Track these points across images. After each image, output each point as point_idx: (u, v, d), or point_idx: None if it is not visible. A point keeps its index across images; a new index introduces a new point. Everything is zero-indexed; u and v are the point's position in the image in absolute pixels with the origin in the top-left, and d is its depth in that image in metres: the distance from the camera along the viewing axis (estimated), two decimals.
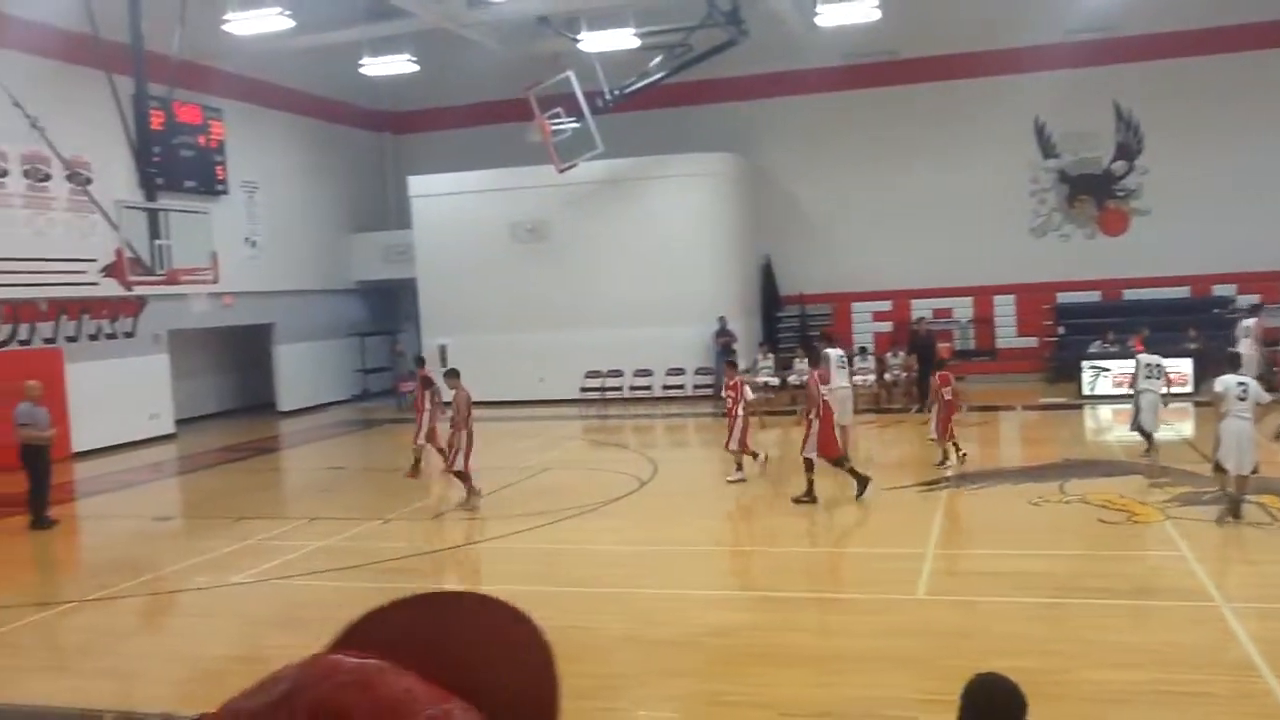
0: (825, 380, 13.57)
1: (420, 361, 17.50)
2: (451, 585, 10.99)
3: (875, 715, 6.62)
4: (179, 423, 22.91)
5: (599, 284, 25.07)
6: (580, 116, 23.66)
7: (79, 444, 19.85)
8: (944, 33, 25.32)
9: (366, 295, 29.82)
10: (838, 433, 13.78)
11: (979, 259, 25.62)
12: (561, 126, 23.95)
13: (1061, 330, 25.03)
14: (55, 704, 7.50)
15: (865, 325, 26.57)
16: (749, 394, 14.72)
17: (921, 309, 25.59)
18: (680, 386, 24.34)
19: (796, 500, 12.93)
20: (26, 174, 19.47)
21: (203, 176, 23.35)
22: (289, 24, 20.04)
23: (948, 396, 15.03)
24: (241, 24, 20.13)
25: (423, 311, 26.96)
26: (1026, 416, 20.87)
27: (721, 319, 24.10)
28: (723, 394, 14.83)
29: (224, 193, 24.00)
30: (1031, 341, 25.81)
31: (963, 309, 26.18)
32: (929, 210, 25.92)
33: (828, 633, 8.08)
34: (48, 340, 20.00)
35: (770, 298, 27.39)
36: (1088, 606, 8.46)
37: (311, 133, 27.63)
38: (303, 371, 26.69)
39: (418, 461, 15.74)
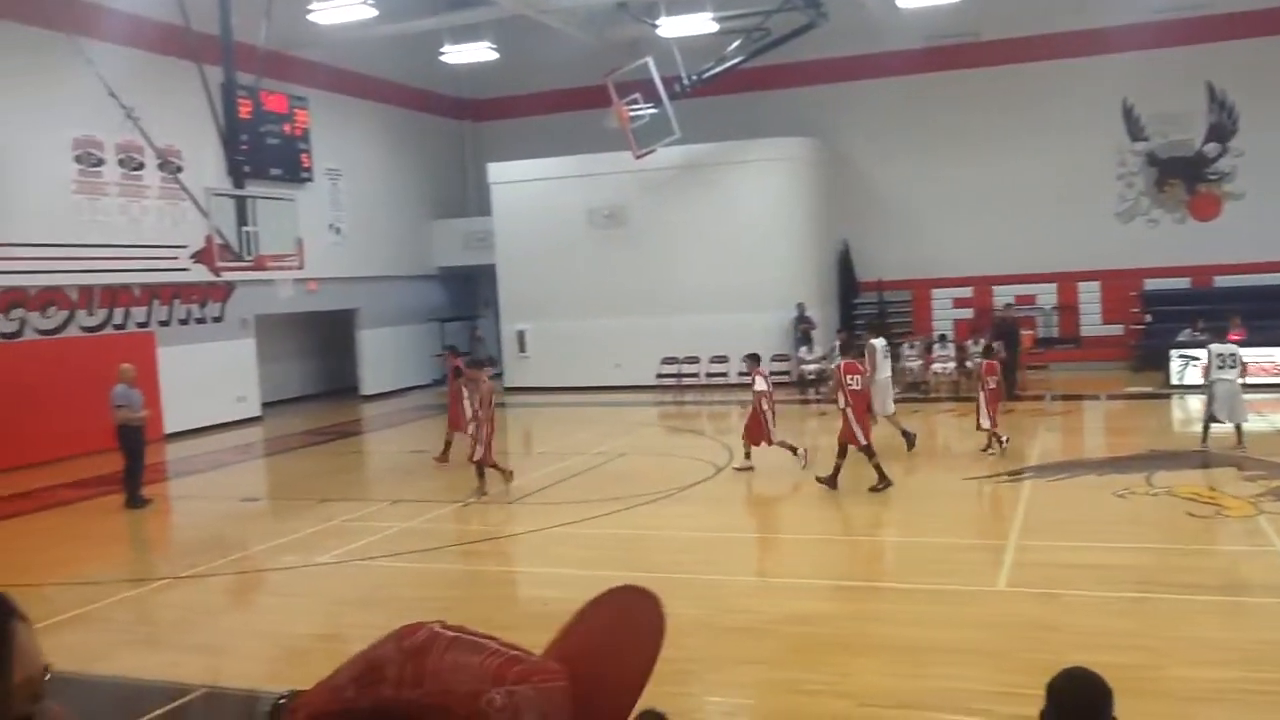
0: (858, 371, 13.58)
1: (453, 350, 17.68)
2: (525, 567, 11.13)
3: (955, 707, 6.57)
4: (265, 406, 23.47)
5: (676, 270, 25.07)
6: (658, 102, 23.65)
7: (170, 426, 20.45)
8: (1028, 13, 24.78)
9: (447, 281, 30.19)
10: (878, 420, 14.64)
11: (1063, 244, 25.07)
12: (639, 112, 23.96)
13: (1149, 318, 24.41)
14: (148, 678, 7.71)
15: (945, 312, 26.20)
16: (759, 385, 14.62)
17: (1003, 295, 25.15)
18: (787, 373, 24.22)
19: (873, 489, 12.91)
20: (121, 163, 20.08)
21: (288, 164, 23.86)
22: (372, 13, 20.34)
23: (992, 385, 15.09)
24: (326, 13, 20.49)
25: (501, 297, 27.23)
26: (1111, 406, 20.43)
27: (800, 305, 24.00)
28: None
29: (309, 180, 24.49)
30: (1117, 329, 25.22)
31: (1046, 296, 25.67)
32: (1011, 195, 25.44)
33: (907, 623, 8.02)
34: (141, 324, 20.62)
35: (847, 284, 27.14)
36: (1175, 602, 8.29)
37: (393, 120, 28.01)
38: (384, 356, 27.14)
39: (448, 446, 16.09)
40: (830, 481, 13.10)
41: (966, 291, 26.09)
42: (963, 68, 25.64)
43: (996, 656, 7.25)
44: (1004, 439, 15.16)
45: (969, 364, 22.31)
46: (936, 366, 22.13)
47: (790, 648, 7.39)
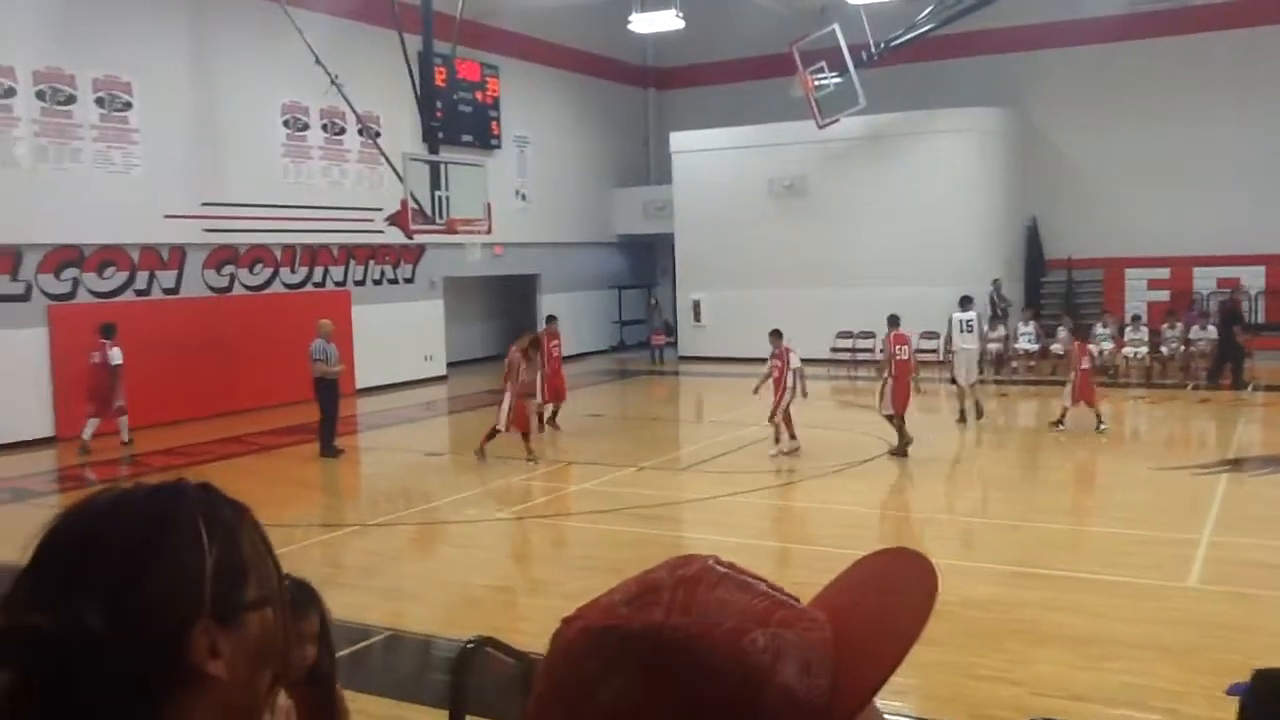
0: (904, 341, 14.38)
1: (550, 319, 17.91)
2: (697, 534, 11.27)
3: (1134, 703, 6.36)
4: (450, 365, 24.34)
5: (855, 242, 24.69)
6: (843, 71, 23.26)
7: (361, 381, 21.45)
8: None
9: (625, 249, 30.56)
10: (958, 393, 16.30)
11: (1272, 224, 23.43)
12: (824, 81, 23.62)
13: None
14: (337, 617, 8.15)
15: (1140, 294, 24.89)
16: (794, 361, 14.46)
17: (1204, 278, 23.79)
18: (934, 350, 23.64)
19: (892, 452, 13.76)
20: (324, 128, 21.10)
21: (479, 131, 24.58)
22: None
23: (1084, 365, 15.28)
24: None
25: (679, 266, 27.40)
26: None
27: (996, 281, 23.31)
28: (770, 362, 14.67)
29: (497, 147, 25.17)
30: None
31: (1253, 279, 24.09)
32: (1215, 169, 23.89)
33: (1089, 613, 7.77)
34: (338, 283, 21.68)
35: (1035, 262, 26.14)
36: None
37: (579, 88, 28.42)
38: (564, 321, 27.59)
39: (542, 417, 16.31)
40: (901, 451, 13.77)
41: (1163, 272, 24.73)
42: (1169, 34, 24.21)
43: (1183, 654, 6.96)
44: (1103, 424, 15.07)
45: (1164, 349, 21.26)
46: (1128, 350, 21.14)
47: (963, 631, 7.28)
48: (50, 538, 0.97)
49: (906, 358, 14.16)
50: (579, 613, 0.78)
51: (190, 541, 0.97)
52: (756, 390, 14.90)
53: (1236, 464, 13.15)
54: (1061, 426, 15.34)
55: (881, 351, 15.85)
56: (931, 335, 20.92)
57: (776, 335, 15.07)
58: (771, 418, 14.47)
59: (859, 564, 0.90)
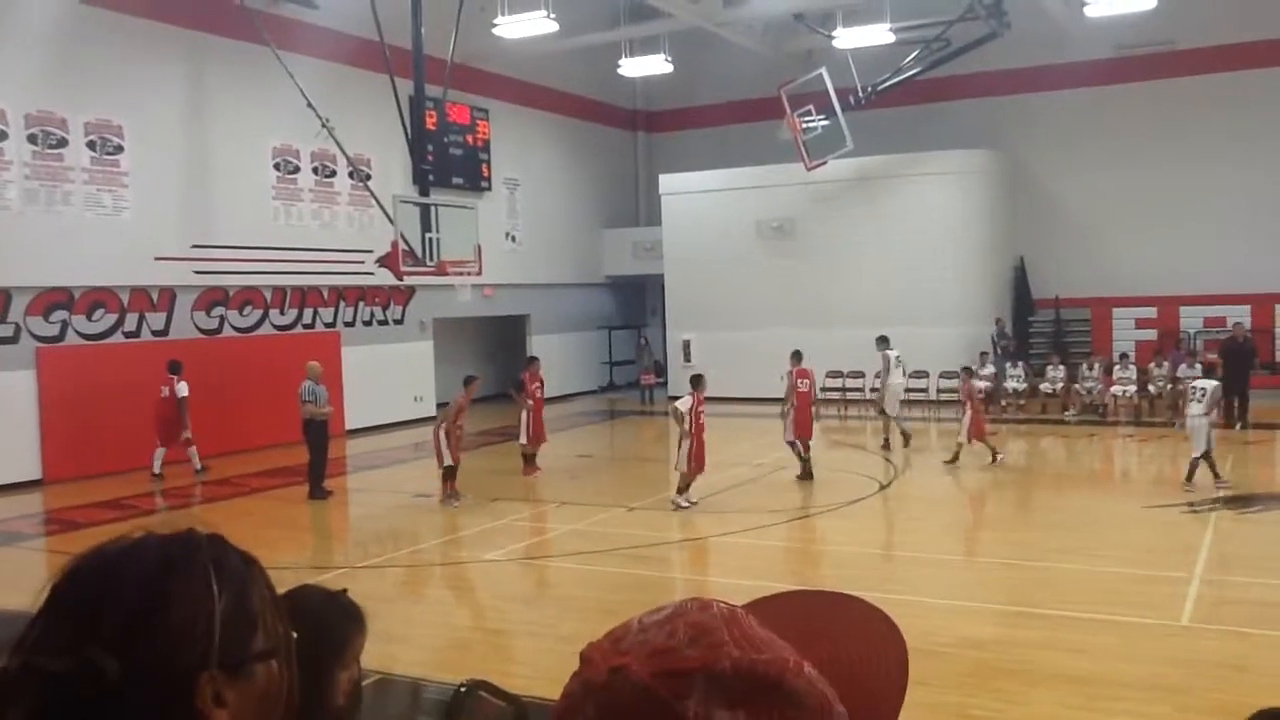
0: (807, 375, 15.72)
1: (532, 359, 18.09)
2: (689, 574, 11.21)
3: None
4: (439, 406, 24.21)
5: (844, 283, 24.80)
6: (831, 114, 23.48)
7: (351, 422, 21.38)
8: (1229, 19, 23.51)
9: (615, 290, 30.64)
10: (883, 423, 18.34)
11: (1260, 263, 23.62)
12: (812, 124, 23.83)
13: None
14: None
15: (1127, 332, 25.03)
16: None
17: (1191, 316, 23.94)
18: (924, 390, 23.72)
19: (799, 477, 14.93)
20: (315, 170, 21.20)
21: (469, 173, 24.72)
22: (553, 27, 20.88)
23: (978, 399, 16.53)
24: (510, 27, 21.16)
25: (669, 306, 27.47)
26: None
27: (999, 321, 23.51)
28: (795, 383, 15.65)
29: (488, 189, 25.30)
30: None
31: (1239, 318, 24.24)
32: (1204, 210, 24.15)
33: (1084, 653, 7.73)
34: (328, 325, 21.68)
35: (1023, 301, 26.29)
36: None
37: (569, 131, 28.62)
38: (554, 362, 27.65)
39: (529, 459, 16.68)
40: (805, 474, 15.06)
41: (1150, 311, 24.90)
42: (1156, 78, 24.53)
43: (1178, 694, 6.93)
44: (999, 454, 16.12)
45: (1151, 388, 21.33)
46: (1116, 389, 21.21)
47: (959, 671, 7.24)
48: (64, 583, 0.98)
49: (807, 390, 15.55)
50: (624, 659, 0.76)
51: (201, 590, 0.98)
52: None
53: (1227, 501, 13.17)
54: (955, 464, 15.99)
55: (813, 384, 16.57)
56: (950, 375, 21.29)
57: (795, 356, 16.03)
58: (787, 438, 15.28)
59: (829, 616, 0.90)
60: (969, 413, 16.05)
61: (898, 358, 18.86)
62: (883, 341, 19.19)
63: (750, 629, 0.77)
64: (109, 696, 0.91)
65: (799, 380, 15.55)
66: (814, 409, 15.84)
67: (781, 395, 15.94)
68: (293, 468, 16.21)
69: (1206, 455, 13.75)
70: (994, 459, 16.09)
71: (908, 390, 19.82)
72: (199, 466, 16.96)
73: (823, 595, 0.91)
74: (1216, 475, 13.86)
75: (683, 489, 13.64)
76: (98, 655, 0.91)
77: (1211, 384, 14.10)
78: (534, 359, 18.08)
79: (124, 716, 0.92)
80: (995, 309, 24.79)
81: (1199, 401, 13.83)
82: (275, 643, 1.03)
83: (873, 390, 19.69)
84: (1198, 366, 20.57)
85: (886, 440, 18.36)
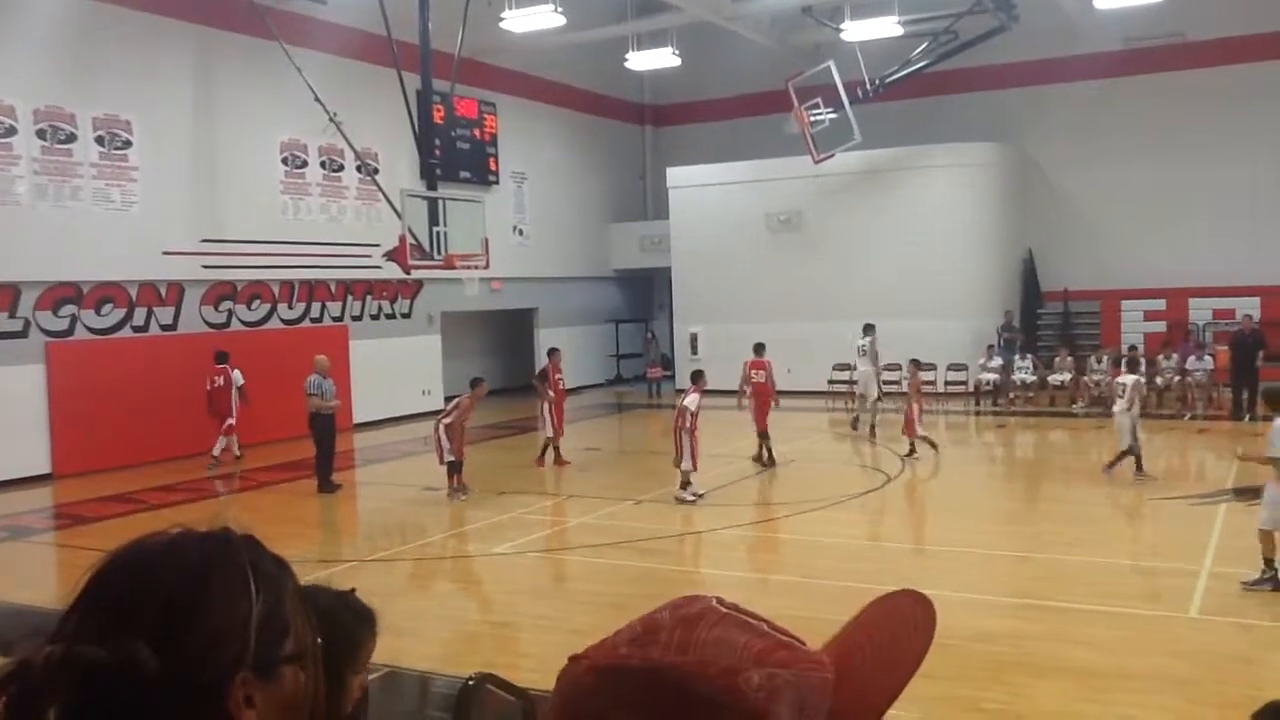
0: (761, 366, 16.21)
1: (553, 351, 18.19)
2: (697, 567, 11.22)
3: None
4: (448, 399, 24.25)
5: (851, 276, 24.77)
6: (839, 107, 23.43)
7: (359, 416, 21.42)
8: (1237, 12, 23.40)
9: (623, 283, 30.64)
10: (857, 403, 19.18)
11: (1270, 256, 23.51)
12: (820, 117, 23.79)
13: None
14: None
15: (1136, 325, 24.96)
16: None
17: (1201, 309, 23.86)
18: (931, 382, 23.68)
19: (763, 464, 15.70)
20: (323, 165, 21.23)
21: (477, 167, 24.75)
22: (560, 21, 20.86)
23: (920, 394, 16.71)
24: (517, 21, 21.15)
25: (676, 300, 27.46)
26: None
27: (1008, 313, 23.51)
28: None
29: (495, 183, 25.32)
30: None
31: (1248, 310, 24.15)
32: (1212, 203, 24.06)
33: (1092, 645, 7.73)
34: (335, 318, 21.71)
35: (1031, 294, 26.23)
36: None
37: (577, 125, 28.61)
38: (562, 355, 27.73)
39: (556, 450, 16.84)
40: (765, 460, 15.79)
41: (1159, 304, 24.82)
42: (1165, 70, 24.43)
43: (1186, 686, 6.93)
44: (914, 453, 16.17)
45: (1159, 380, 21.26)
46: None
47: (968, 664, 7.24)
48: (102, 575, 0.97)
49: (764, 380, 16.06)
50: (587, 652, 0.79)
51: (240, 591, 0.98)
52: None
53: (1235, 494, 13.14)
54: (916, 455, 16.11)
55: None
56: (959, 366, 21.28)
57: (757, 348, 16.48)
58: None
59: (874, 605, 0.91)
60: (912, 406, 16.28)
61: (861, 347, 19.57)
62: (867, 329, 19.79)
63: (703, 633, 0.78)
64: (146, 690, 0.90)
65: (754, 372, 16.21)
66: (774, 400, 16.26)
67: (783, 389, 16.54)
68: (301, 461, 16.25)
69: (1132, 449, 13.69)
70: (910, 453, 16.19)
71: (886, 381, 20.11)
72: (238, 453, 17.73)
73: (883, 598, 0.93)
74: (1139, 468, 13.77)
75: (687, 483, 13.65)
76: (139, 648, 0.91)
77: (1131, 379, 13.99)
78: (556, 350, 18.15)
79: (158, 712, 0.91)
80: (1004, 302, 24.74)
81: (1121, 397, 13.77)
82: (304, 647, 1.03)
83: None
84: (1207, 359, 20.57)
85: (855, 421, 19.55)
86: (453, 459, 14.38)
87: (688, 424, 13.53)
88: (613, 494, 14.46)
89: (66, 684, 0.89)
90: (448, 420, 14.51)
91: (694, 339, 26.74)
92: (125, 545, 1.00)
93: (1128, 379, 14.04)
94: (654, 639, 0.77)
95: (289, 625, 1.01)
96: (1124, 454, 13.79)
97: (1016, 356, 22.61)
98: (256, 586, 0.99)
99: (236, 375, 17.48)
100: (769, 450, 15.88)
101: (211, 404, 17.57)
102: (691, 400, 13.76)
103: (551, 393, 16.81)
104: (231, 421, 17.46)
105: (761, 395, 15.98)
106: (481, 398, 15.26)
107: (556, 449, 16.89)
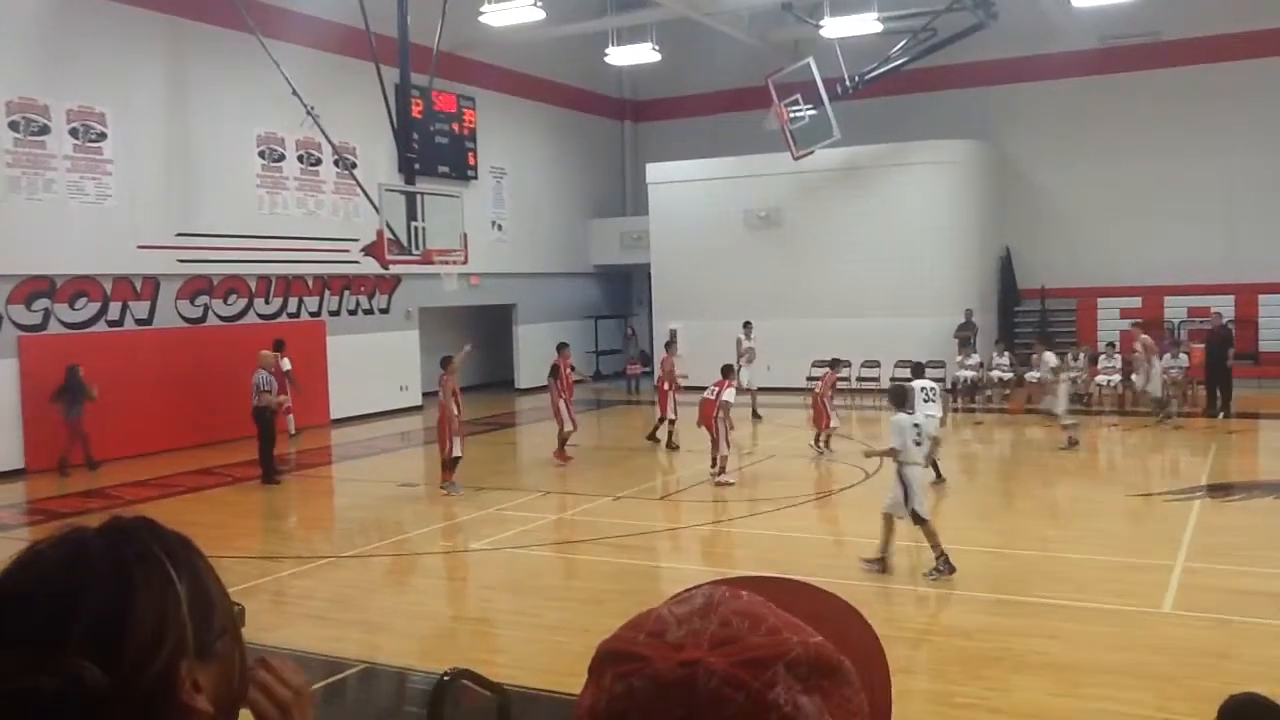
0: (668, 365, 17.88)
1: (563, 345, 18.13)
2: (675, 563, 11.21)
3: None
4: (425, 395, 24.18)
5: (830, 272, 24.83)
6: (819, 103, 23.45)
7: (336, 411, 21.31)
8: (1214, 11, 23.57)
9: (602, 279, 30.61)
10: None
11: (1245, 254, 23.72)
12: (799, 113, 23.81)
13: None
14: (311, 650, 8.02)
15: (1112, 322, 25.11)
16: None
17: (1175, 307, 24.03)
18: (875, 379, 23.76)
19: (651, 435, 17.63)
20: (300, 159, 21.09)
21: (455, 162, 24.64)
22: (540, 15, 20.78)
23: (829, 393, 16.97)
24: (496, 15, 21.06)
25: (655, 296, 27.45)
26: None
27: (968, 311, 23.41)
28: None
29: (474, 178, 25.23)
30: None
31: (1223, 308, 24.35)
32: (1187, 201, 24.25)
33: (1067, 641, 7.77)
34: (313, 314, 21.58)
35: (1008, 292, 26.35)
36: None
37: (556, 120, 28.54)
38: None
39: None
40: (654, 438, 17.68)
41: (1135, 301, 24.97)
42: (1142, 69, 24.59)
43: (1161, 681, 6.97)
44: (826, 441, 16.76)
45: (1135, 377, 21.38)
46: (1101, 379, 21.28)
47: (944, 659, 7.26)
48: (10, 599, 0.92)
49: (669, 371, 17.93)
50: (696, 654, 0.74)
51: (164, 580, 0.95)
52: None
53: (1209, 490, 13.24)
54: (829, 450, 16.60)
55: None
56: (937, 364, 21.38)
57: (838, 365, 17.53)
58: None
59: (803, 597, 0.88)
60: (823, 401, 16.72)
61: (743, 340, 21.02)
62: (747, 327, 21.42)
63: (783, 613, 0.76)
64: (101, 707, 0.87)
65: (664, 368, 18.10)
66: (671, 394, 17.79)
67: (762, 386, 16.60)
68: (278, 457, 16.14)
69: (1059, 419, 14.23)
70: (815, 443, 16.84)
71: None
72: (293, 431, 19.09)
73: (780, 582, 0.89)
74: (938, 475, 13.64)
75: (724, 469, 14.55)
76: (82, 668, 0.87)
77: (930, 384, 13.88)
78: (565, 345, 18.20)
79: None
80: (980, 299, 24.82)
81: (933, 401, 13.54)
82: (229, 617, 1.01)
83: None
84: (1182, 356, 20.71)
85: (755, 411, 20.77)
86: (458, 455, 14.44)
87: (725, 415, 14.33)
88: (591, 490, 14.44)
89: (23, 716, 0.86)
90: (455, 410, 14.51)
91: (673, 335, 26.70)
92: (20, 561, 0.95)
93: (929, 383, 13.98)
94: (769, 624, 0.75)
95: (213, 601, 0.99)
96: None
97: (976, 355, 22.49)
98: (176, 572, 0.96)
99: (285, 362, 18.18)
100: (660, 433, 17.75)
101: None
102: (729, 394, 14.68)
103: (565, 390, 16.98)
104: (288, 404, 18.13)
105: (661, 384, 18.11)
106: (458, 370, 15.16)
107: (563, 442, 16.86)
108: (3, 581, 0.94)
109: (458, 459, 14.45)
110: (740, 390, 19.00)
